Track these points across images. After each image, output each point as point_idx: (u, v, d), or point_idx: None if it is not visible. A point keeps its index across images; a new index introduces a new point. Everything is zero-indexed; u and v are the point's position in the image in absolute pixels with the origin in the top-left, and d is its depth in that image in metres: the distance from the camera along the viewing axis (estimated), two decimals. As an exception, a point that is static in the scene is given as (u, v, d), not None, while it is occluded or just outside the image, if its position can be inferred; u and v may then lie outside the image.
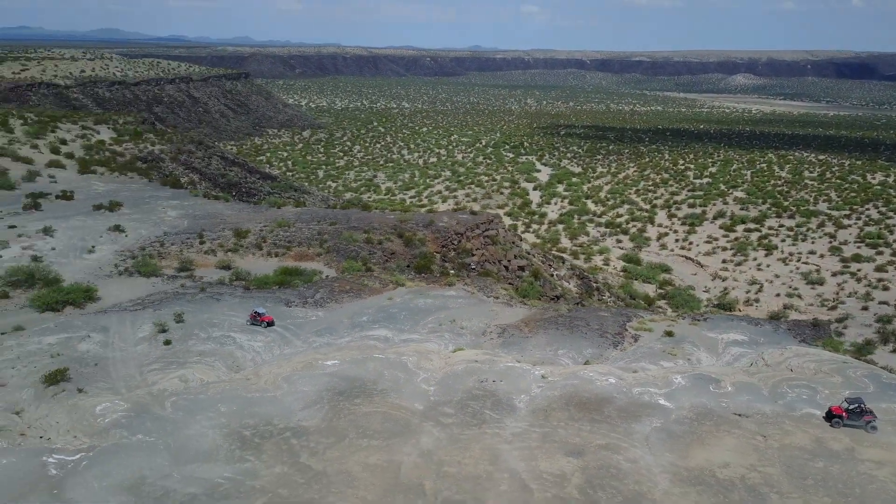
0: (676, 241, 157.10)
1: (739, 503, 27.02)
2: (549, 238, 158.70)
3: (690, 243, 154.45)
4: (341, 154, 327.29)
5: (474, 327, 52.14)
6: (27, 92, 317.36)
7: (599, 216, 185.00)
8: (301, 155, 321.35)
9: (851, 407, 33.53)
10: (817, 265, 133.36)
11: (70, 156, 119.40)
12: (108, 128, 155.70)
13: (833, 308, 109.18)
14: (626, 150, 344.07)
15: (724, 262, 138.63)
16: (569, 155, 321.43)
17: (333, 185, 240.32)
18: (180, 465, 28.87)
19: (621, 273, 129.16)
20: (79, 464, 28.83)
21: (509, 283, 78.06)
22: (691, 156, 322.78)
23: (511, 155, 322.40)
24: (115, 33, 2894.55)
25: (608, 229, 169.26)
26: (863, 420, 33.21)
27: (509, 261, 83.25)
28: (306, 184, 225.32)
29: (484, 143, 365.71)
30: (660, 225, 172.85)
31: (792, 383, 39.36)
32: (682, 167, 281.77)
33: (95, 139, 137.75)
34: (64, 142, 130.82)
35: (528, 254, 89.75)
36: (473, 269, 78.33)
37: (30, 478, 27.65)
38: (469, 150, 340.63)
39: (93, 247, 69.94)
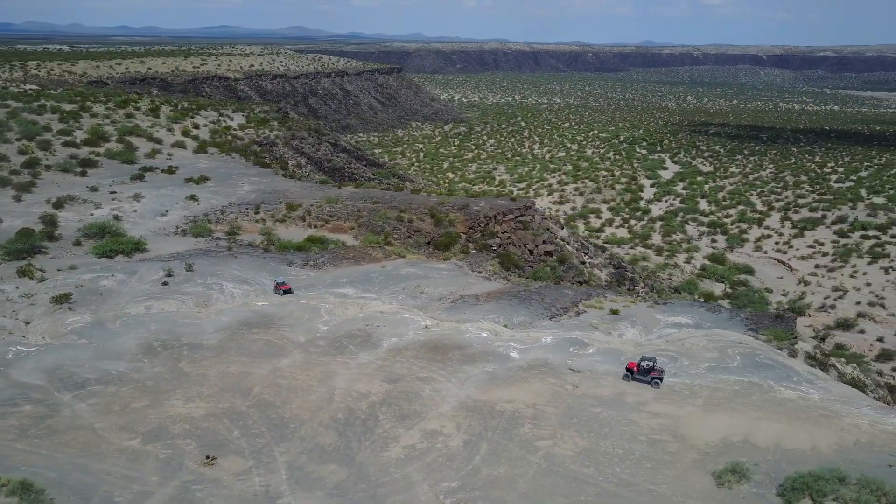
0: (777, 243, 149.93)
1: (494, 427, 31.52)
2: (641, 234, 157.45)
3: (791, 247, 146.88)
4: (473, 147, 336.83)
5: (435, 293, 57.94)
6: (202, 84, 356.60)
7: (707, 216, 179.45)
8: (435, 147, 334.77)
9: (643, 364, 36.39)
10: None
11: (196, 138, 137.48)
12: (243, 115, 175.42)
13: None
14: (774, 151, 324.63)
15: (816, 266, 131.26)
16: (706, 154, 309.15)
17: (452, 175, 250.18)
18: (95, 361, 38.05)
19: (697, 271, 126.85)
20: (29, 354, 38.86)
21: (530, 266, 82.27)
22: (847, 158, 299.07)
23: (644, 152, 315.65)
24: (301, 31, 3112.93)
25: (708, 229, 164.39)
26: (649, 376, 36.27)
27: (536, 245, 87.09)
28: (413, 172, 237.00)
29: (621, 140, 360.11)
30: (767, 227, 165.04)
31: (658, 353, 41.85)
32: (828, 170, 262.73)
33: (225, 125, 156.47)
34: (197, 126, 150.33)
35: (563, 241, 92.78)
36: (495, 250, 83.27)
37: (-7, 358, 38.06)
38: (603, 145, 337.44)
39: (167, 211, 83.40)
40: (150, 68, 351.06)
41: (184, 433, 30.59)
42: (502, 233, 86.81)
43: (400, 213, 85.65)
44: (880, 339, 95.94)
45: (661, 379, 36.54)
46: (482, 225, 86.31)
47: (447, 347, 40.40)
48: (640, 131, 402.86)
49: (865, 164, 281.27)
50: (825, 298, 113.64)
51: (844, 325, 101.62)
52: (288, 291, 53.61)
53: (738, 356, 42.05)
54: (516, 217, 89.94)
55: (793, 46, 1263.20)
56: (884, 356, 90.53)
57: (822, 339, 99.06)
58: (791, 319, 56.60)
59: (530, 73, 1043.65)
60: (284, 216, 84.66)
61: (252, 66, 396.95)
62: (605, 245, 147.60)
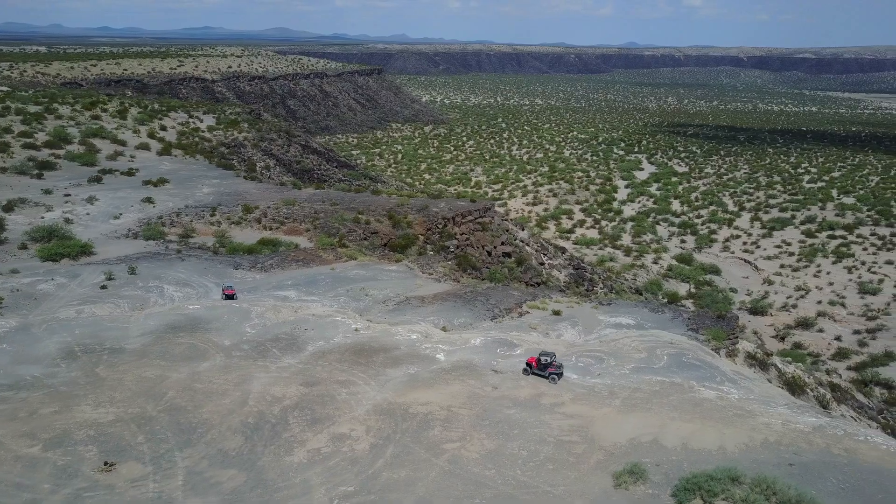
0: (745, 243, 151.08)
1: (405, 430, 31.31)
2: (612, 235, 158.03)
3: (758, 247, 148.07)
4: (452, 148, 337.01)
5: (380, 296, 57.70)
6: (179, 85, 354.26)
7: (678, 216, 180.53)
8: (413, 148, 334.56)
9: (541, 359, 37.07)
10: (887, 275, 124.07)
11: (162, 140, 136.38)
12: (213, 117, 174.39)
13: (872, 318, 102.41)
14: (750, 152, 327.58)
15: (781, 266, 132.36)
16: (682, 154, 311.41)
17: (429, 177, 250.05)
18: (11, 366, 37.42)
19: (664, 272, 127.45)
20: (-55, 357, 38.17)
21: (487, 267, 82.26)
22: (821, 159, 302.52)
23: (622, 153, 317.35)
24: (285, 32, 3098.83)
25: (678, 229, 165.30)
26: (546, 371, 36.81)
27: (495, 247, 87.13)
28: (390, 173, 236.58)
29: (599, 141, 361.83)
30: (737, 227, 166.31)
31: (587, 354, 41.93)
32: (802, 171, 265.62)
33: (193, 127, 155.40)
34: (164, 128, 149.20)
35: (523, 242, 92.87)
36: (453, 251, 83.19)
37: None
38: (581, 146, 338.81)
39: (120, 214, 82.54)
40: (125, 69, 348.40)
41: (87, 439, 30.15)
42: (460, 234, 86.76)
43: (357, 215, 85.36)
44: (838, 338, 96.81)
45: (558, 374, 36.93)
46: (440, 226, 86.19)
47: (373, 350, 40.17)
48: (619, 132, 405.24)
49: (839, 164, 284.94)
50: (788, 298, 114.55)
51: (804, 324, 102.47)
52: (231, 297, 52.13)
53: (666, 356, 42.18)
54: (475, 219, 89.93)
55: (772, 48, 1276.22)
56: (840, 355, 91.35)
57: (783, 338, 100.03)
58: (733, 319, 56.89)
59: (513, 75, 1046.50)
60: (240, 218, 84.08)
61: (230, 67, 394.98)
62: (576, 245, 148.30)
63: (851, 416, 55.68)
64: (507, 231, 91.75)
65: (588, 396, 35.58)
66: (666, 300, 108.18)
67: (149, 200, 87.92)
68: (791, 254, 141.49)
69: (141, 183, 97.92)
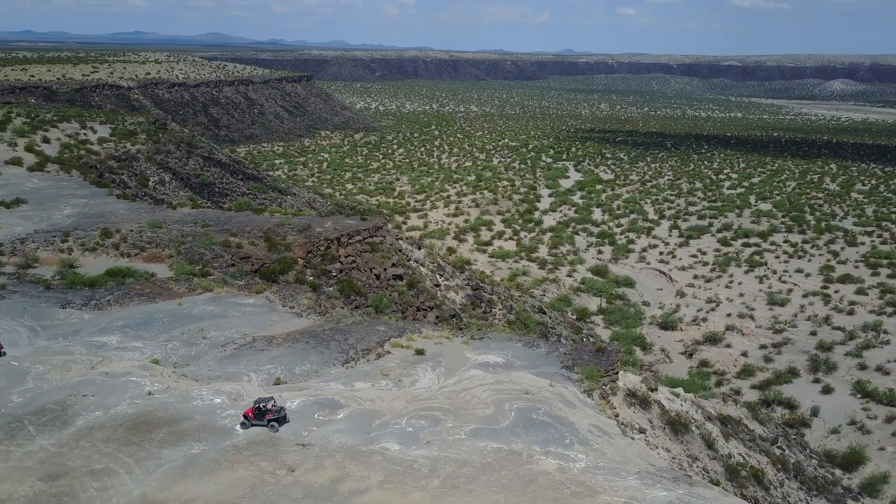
0: (661, 253, 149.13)
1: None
2: (528, 247, 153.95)
3: (674, 256, 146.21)
4: (381, 157, 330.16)
5: (220, 338, 50.61)
6: (91, 93, 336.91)
7: (598, 225, 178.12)
8: (340, 157, 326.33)
9: (259, 406, 33.02)
10: (796, 284, 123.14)
11: (40, 153, 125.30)
12: (110, 127, 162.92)
13: (779, 331, 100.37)
14: (675, 158, 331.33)
15: (695, 277, 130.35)
16: (609, 161, 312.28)
17: (352, 187, 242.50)
18: None
19: (577, 286, 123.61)
20: None
21: (374, 292, 75.90)
22: (742, 165, 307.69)
23: (550, 160, 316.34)
24: (220, 38, 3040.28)
25: (597, 239, 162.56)
26: (265, 419, 32.88)
27: (385, 269, 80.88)
28: (311, 183, 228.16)
29: (529, 148, 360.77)
30: (654, 236, 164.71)
31: (424, 412, 36.02)
32: (724, 177, 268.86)
33: (82, 139, 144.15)
34: (47, 140, 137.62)
35: (417, 262, 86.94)
36: (335, 276, 76.56)
37: None
38: (510, 154, 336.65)
39: (-48, 241, 72.97)
40: (32, 76, 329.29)
41: None
42: (346, 256, 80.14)
43: (229, 238, 77.73)
44: (744, 354, 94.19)
45: (278, 421, 33.09)
46: (322, 248, 79.36)
47: (156, 423, 33.17)
48: (550, 139, 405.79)
49: (759, 170, 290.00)
50: (699, 311, 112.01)
51: (712, 339, 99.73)
52: None
53: (514, 412, 36.55)
54: (364, 238, 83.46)
55: (701, 56, 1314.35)
56: (745, 372, 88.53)
57: (690, 355, 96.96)
58: (614, 352, 51.93)
59: (450, 82, 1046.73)
60: (96, 244, 75.35)
61: (148, 74, 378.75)
62: (492, 258, 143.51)
63: (725, 469, 51.29)
64: (400, 251, 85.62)
65: (402, 476, 29.49)
66: (575, 317, 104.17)
67: (-7, 225, 78.31)
68: (705, 263, 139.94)
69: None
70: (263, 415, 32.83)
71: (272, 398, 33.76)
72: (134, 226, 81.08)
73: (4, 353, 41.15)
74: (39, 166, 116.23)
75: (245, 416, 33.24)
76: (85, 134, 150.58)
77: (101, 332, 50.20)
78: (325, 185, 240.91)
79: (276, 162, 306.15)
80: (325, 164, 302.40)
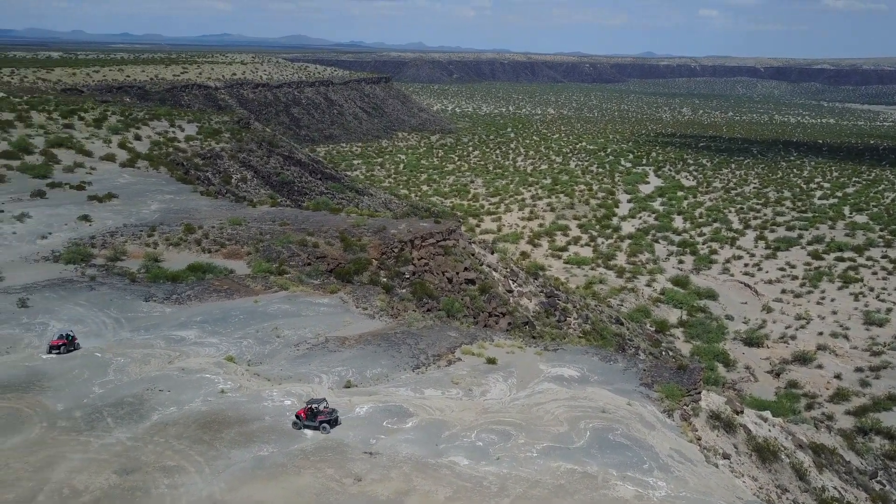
0: (746, 265, 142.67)
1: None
2: (606, 254, 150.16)
3: (760, 269, 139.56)
4: (456, 158, 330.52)
5: (294, 337, 50.80)
6: (181, 92, 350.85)
7: (679, 234, 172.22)
8: (416, 158, 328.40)
9: (311, 407, 33.07)
10: None
11: (131, 150, 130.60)
12: (197, 126, 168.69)
13: (877, 354, 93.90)
14: (762, 165, 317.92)
15: (783, 291, 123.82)
16: (691, 167, 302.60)
17: (427, 188, 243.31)
18: None
19: (655, 296, 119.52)
20: None
21: (447, 296, 75.12)
22: (835, 173, 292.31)
23: (629, 165, 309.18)
24: (302, 39, 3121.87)
25: (678, 248, 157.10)
26: (317, 420, 32.84)
27: (457, 273, 79.97)
28: (388, 184, 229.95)
29: (608, 152, 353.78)
30: (739, 247, 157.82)
31: (494, 426, 34.69)
32: (815, 186, 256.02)
33: (170, 136, 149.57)
34: (139, 138, 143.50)
35: (490, 267, 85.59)
36: (408, 278, 76.18)
37: None
38: (588, 158, 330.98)
39: (49, 234, 76.16)
40: (128, 76, 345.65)
41: None
42: (419, 259, 79.71)
43: (306, 237, 78.53)
44: (837, 377, 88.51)
45: (329, 423, 32.99)
46: (396, 250, 79.18)
47: (227, 422, 33.14)
48: (629, 143, 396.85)
49: (854, 179, 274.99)
50: (787, 328, 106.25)
51: (802, 358, 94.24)
52: (57, 348, 40.77)
53: (590, 431, 34.78)
54: (437, 241, 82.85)
55: (790, 59, 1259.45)
56: (839, 396, 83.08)
57: (778, 374, 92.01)
58: (696, 370, 49.24)
59: (527, 84, 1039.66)
60: (179, 239, 77.49)
61: (234, 74, 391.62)
62: (567, 264, 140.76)
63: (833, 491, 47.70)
64: (473, 255, 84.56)
65: (471, 493, 28.32)
66: (653, 329, 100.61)
67: (85, 218, 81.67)
68: (795, 277, 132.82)
69: (86, 198, 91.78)
70: (315, 416, 32.86)
71: (325, 399, 33.94)
72: (215, 222, 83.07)
73: (79, 346, 42.17)
74: (130, 162, 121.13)
75: (297, 416, 33.31)
76: (173, 132, 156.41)
77: (179, 326, 51.17)
78: (400, 186, 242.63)
79: (355, 162, 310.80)
80: (401, 166, 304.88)
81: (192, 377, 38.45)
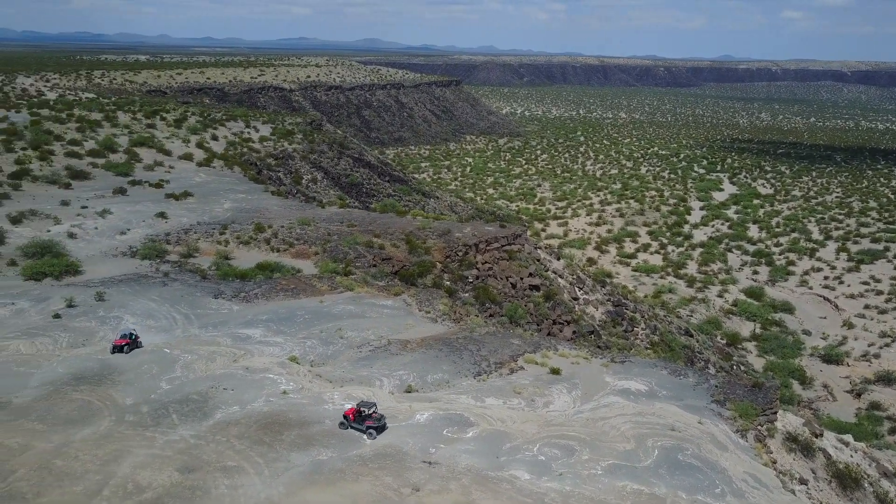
0: (826, 278, 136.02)
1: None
2: (676, 263, 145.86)
3: (841, 282, 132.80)
4: (524, 162, 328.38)
5: (357, 339, 50.91)
6: (258, 94, 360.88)
7: (754, 243, 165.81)
8: (484, 162, 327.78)
9: (361, 409, 32.73)
10: None
11: (208, 150, 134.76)
12: (271, 127, 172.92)
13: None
14: (845, 174, 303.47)
15: (866, 307, 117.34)
16: (769, 175, 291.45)
17: (493, 192, 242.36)
18: None
19: (727, 307, 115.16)
20: None
21: (510, 301, 74.15)
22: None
23: (702, 171, 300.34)
24: (375, 43, 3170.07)
25: (752, 258, 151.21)
26: (364, 424, 32.52)
27: (521, 278, 78.85)
28: (454, 187, 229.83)
29: (680, 158, 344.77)
30: (819, 259, 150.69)
31: (558, 440, 33.60)
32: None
33: (245, 137, 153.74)
34: (215, 138, 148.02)
35: (555, 273, 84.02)
36: (471, 282, 75.58)
37: None
38: (660, 163, 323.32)
39: (128, 230, 79.13)
40: (209, 78, 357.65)
41: None
42: (483, 263, 78.99)
43: (372, 238, 78.97)
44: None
45: (377, 429, 32.57)
46: (461, 254, 78.70)
47: (287, 424, 33.22)
48: (703, 149, 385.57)
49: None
50: (870, 345, 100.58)
51: (886, 378, 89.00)
52: (120, 349, 41.08)
53: (657, 450, 33.30)
54: (502, 246, 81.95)
55: (880, 62, 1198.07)
56: (926, 421, 77.88)
57: (859, 395, 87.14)
58: (772, 389, 46.78)
59: (598, 87, 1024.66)
60: (250, 238, 79.17)
61: (308, 77, 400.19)
62: (635, 272, 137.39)
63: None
64: (538, 261, 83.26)
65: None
66: (724, 342, 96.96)
67: (162, 215, 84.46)
68: (879, 292, 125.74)
69: (164, 196, 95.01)
70: (363, 420, 32.67)
71: (375, 405, 33.71)
72: (285, 222, 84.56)
73: (141, 345, 43.06)
74: (207, 162, 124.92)
75: (345, 417, 33.17)
76: (248, 133, 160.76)
77: (246, 324, 52.00)
78: (467, 190, 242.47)
79: (422, 165, 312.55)
80: (468, 169, 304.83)
81: (256, 377, 38.84)
